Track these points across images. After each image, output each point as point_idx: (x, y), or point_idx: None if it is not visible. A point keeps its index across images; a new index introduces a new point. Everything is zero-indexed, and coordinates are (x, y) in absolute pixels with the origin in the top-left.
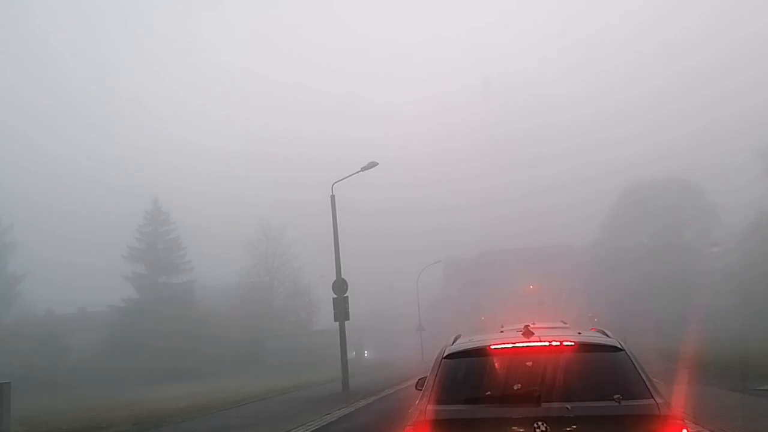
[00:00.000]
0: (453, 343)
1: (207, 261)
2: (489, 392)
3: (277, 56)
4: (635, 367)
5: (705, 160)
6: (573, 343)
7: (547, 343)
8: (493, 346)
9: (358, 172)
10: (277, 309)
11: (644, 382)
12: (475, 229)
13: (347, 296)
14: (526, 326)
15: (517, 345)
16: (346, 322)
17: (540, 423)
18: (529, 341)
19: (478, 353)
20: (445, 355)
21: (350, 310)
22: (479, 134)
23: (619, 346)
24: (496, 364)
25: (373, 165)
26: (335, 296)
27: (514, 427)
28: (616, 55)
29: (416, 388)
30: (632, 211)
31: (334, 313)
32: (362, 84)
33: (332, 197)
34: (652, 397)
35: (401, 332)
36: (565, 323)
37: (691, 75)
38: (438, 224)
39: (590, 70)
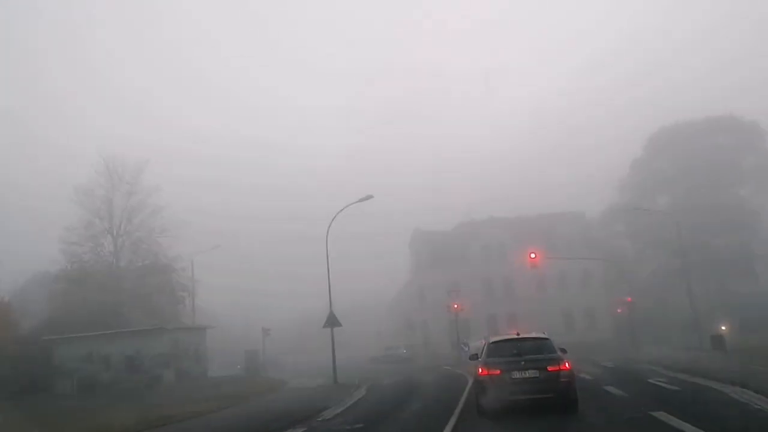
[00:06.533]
0: (491, 337)
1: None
2: (504, 352)
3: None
4: (553, 344)
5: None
6: (533, 336)
7: (524, 336)
8: (505, 337)
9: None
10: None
11: (556, 349)
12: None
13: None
14: (517, 332)
15: (514, 337)
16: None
17: (522, 361)
18: (519, 336)
19: (500, 339)
20: (489, 341)
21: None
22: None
23: (547, 337)
24: (507, 343)
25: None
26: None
27: (513, 363)
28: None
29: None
30: (662, 163)
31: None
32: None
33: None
34: (558, 354)
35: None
36: (541, 333)
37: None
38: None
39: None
